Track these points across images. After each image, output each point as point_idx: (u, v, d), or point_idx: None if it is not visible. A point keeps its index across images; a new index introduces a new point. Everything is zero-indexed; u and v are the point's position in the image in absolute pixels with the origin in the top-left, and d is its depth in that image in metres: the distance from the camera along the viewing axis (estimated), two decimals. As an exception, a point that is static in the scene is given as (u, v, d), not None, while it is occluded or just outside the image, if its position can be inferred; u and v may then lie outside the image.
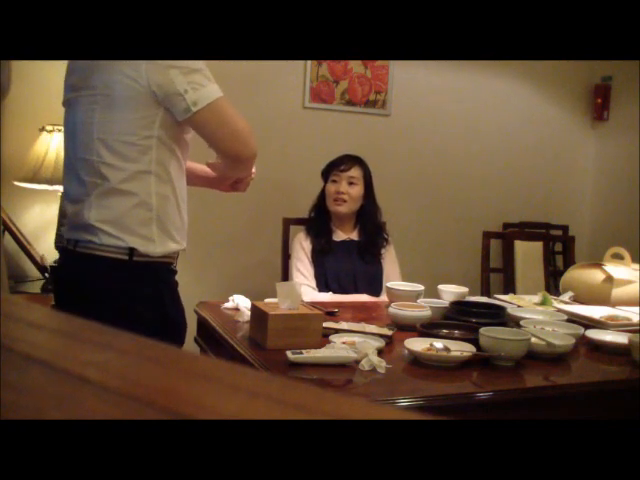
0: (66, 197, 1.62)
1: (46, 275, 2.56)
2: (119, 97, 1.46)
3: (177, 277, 1.62)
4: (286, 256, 2.68)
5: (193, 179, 1.81)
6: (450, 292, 2.13)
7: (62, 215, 2.59)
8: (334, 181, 2.49)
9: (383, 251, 2.52)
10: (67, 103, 1.60)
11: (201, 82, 1.45)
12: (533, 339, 1.55)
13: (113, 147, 1.47)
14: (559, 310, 2.04)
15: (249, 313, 1.72)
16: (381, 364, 1.40)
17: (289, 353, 1.41)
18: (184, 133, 1.58)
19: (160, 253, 1.52)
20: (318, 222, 2.52)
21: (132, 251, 1.49)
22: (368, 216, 2.52)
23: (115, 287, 1.50)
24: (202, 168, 1.87)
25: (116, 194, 1.48)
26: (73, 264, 1.57)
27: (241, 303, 1.91)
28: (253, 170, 1.82)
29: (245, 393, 0.35)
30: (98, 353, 0.41)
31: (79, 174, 1.52)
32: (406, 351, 1.52)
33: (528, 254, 3.10)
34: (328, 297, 2.29)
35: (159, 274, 1.56)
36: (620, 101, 3.97)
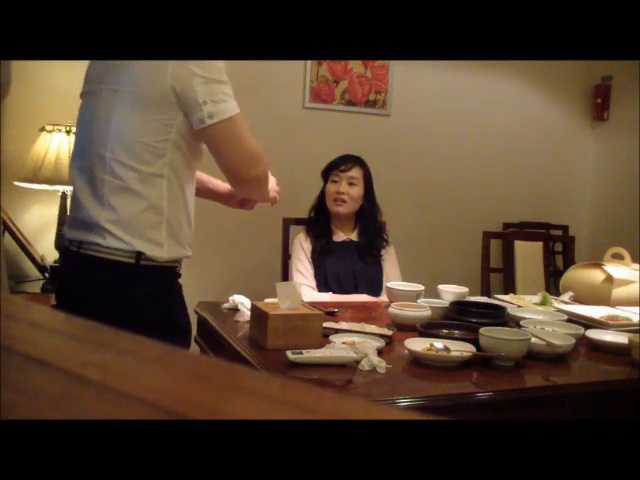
0: (74, 191, 1.56)
1: (46, 275, 2.55)
2: (141, 96, 1.43)
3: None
4: (286, 256, 2.68)
5: (203, 192, 1.80)
6: (450, 292, 2.13)
7: (63, 211, 2.59)
8: (334, 181, 2.49)
9: (383, 251, 2.52)
10: (87, 94, 1.56)
11: (221, 96, 1.43)
12: (533, 339, 1.55)
13: (128, 146, 1.44)
14: (559, 310, 2.04)
15: (249, 313, 1.72)
16: (381, 364, 1.40)
17: (289, 353, 1.40)
18: (199, 141, 1.54)
19: (167, 258, 1.49)
20: (318, 222, 2.52)
21: (139, 255, 1.45)
22: (368, 216, 2.51)
23: (121, 291, 1.47)
24: (214, 182, 1.85)
25: (127, 194, 1.45)
26: (77, 266, 1.53)
27: (241, 303, 1.91)
28: (275, 194, 1.83)
29: (245, 393, 0.35)
30: (98, 353, 0.41)
31: (90, 168, 1.48)
32: (406, 351, 1.52)
33: (528, 254, 3.10)
34: (328, 297, 2.29)
35: (166, 278, 1.53)
36: (620, 101, 3.97)
